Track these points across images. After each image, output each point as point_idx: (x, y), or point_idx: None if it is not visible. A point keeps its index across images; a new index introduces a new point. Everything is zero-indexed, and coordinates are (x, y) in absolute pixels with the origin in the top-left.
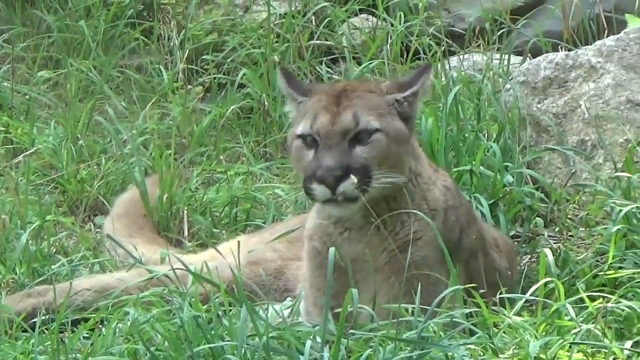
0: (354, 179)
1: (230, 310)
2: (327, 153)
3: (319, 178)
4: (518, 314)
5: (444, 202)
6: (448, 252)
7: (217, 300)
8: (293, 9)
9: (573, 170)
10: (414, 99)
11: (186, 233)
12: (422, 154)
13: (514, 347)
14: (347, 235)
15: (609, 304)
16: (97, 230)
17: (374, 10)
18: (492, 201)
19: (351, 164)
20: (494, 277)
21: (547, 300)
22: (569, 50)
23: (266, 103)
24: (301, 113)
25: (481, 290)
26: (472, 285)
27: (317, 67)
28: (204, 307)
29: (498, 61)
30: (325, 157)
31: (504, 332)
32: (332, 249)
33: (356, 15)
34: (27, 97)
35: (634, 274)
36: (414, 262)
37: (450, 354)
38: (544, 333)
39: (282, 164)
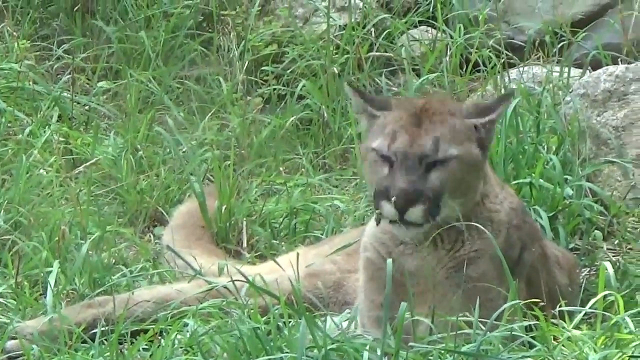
0: (422, 207)
1: (290, 322)
2: (402, 175)
3: (391, 199)
4: (577, 327)
5: (507, 222)
6: (508, 269)
7: (276, 311)
8: (353, 20)
9: (633, 183)
10: (492, 126)
11: (245, 244)
12: (491, 173)
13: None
14: (403, 249)
15: None
16: (156, 241)
17: (434, 22)
18: (551, 214)
19: (424, 190)
20: (555, 294)
21: (606, 313)
22: (629, 63)
23: (325, 114)
24: (379, 128)
25: (541, 304)
26: (536, 300)
27: (377, 79)
28: (263, 319)
29: (558, 74)
30: (400, 178)
31: (563, 345)
32: (389, 261)
33: (415, 27)
34: (86, 107)
35: None
36: (471, 278)
37: None
38: (603, 346)
39: (341, 175)
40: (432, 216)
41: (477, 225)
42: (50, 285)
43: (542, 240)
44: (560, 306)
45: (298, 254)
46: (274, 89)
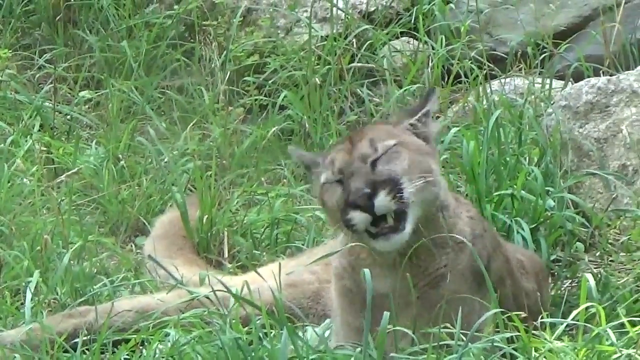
0: (384, 191)
1: (271, 333)
2: (353, 179)
3: (352, 203)
4: (559, 338)
5: (470, 234)
6: (478, 281)
7: (258, 322)
8: (334, 31)
9: (614, 195)
10: (427, 119)
11: (226, 254)
12: (446, 184)
13: None
14: (378, 271)
15: None
16: (137, 251)
17: (415, 34)
18: (533, 225)
19: (377, 179)
20: (521, 300)
21: (587, 325)
22: (611, 75)
23: (307, 125)
24: (323, 167)
25: (510, 313)
26: (518, 313)
27: (358, 90)
28: (245, 329)
29: (540, 85)
30: (352, 183)
31: (544, 357)
32: (367, 271)
33: (397, 38)
34: (68, 117)
35: None
36: (444, 296)
37: None
38: (584, 358)
39: None
40: (399, 197)
41: (454, 235)
42: (30, 293)
43: (503, 246)
44: (542, 317)
45: (280, 264)
46: (256, 100)
